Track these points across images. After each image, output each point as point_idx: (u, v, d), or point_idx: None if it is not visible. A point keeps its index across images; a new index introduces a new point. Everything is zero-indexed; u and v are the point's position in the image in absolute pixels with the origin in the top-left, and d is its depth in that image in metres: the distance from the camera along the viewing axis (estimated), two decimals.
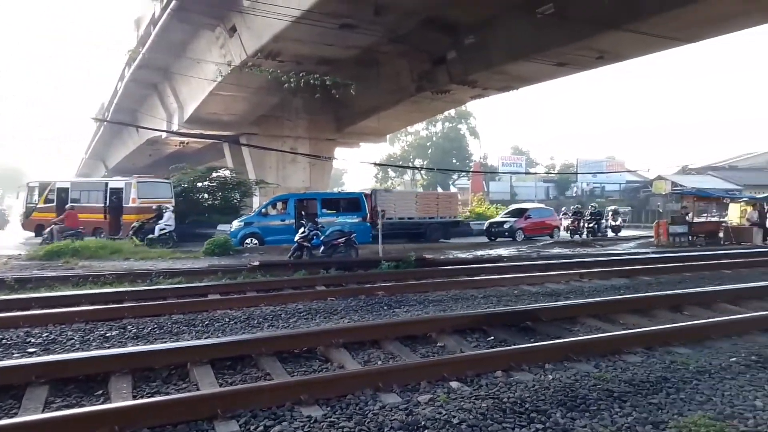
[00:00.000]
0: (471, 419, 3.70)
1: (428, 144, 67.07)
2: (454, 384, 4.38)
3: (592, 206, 27.59)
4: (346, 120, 27.22)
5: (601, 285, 9.70)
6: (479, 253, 16.26)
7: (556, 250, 17.38)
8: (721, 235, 20.83)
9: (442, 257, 14.40)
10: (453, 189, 67.61)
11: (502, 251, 16.80)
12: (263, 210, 18.04)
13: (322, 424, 3.63)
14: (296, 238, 13.96)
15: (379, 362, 5.12)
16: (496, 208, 33.46)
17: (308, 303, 7.96)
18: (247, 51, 17.88)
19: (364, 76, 21.24)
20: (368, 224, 17.92)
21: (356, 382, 4.22)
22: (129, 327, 6.45)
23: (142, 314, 6.98)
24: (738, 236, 20.45)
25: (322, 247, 13.87)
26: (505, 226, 23.45)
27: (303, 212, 16.29)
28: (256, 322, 6.88)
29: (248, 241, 17.24)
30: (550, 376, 4.59)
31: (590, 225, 25.06)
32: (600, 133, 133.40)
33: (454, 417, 3.72)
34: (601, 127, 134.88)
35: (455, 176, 65.90)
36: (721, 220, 23.12)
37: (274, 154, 25.40)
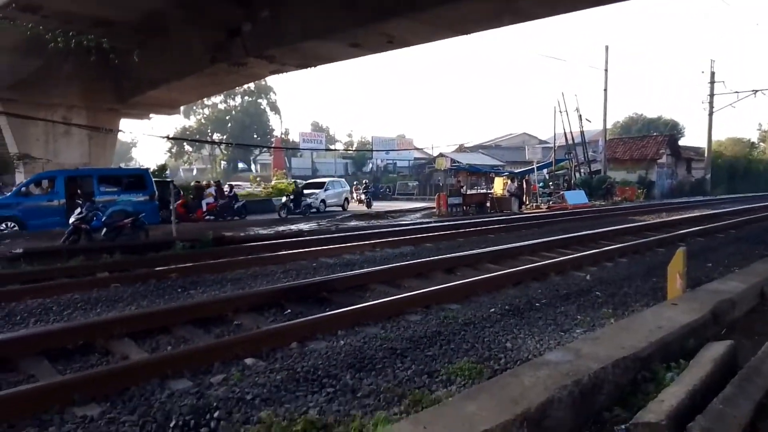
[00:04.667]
0: (265, 393, 3.77)
1: (227, 118, 64.26)
2: (249, 361, 4.39)
3: (298, 182, 26.78)
4: (131, 89, 24.39)
5: (391, 253, 10.55)
6: (280, 228, 16.28)
7: (353, 223, 18.29)
8: (488, 204, 24.10)
9: (242, 234, 14.08)
10: (254, 165, 66.31)
11: (303, 226, 17.08)
12: (23, 189, 15.32)
13: (99, 422, 3.35)
14: (71, 220, 12.30)
15: (169, 348, 4.87)
16: (289, 184, 33.56)
17: (87, 292, 7.14)
18: None
19: (151, 43, 19.21)
20: (156, 203, 16.54)
21: (140, 372, 3.96)
22: None
23: None
24: (501, 205, 23.94)
25: (104, 230, 12.47)
26: None
27: (78, 191, 14.30)
28: (18, 318, 5.94)
29: (3, 226, 14.58)
30: (342, 342, 4.88)
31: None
32: (393, 111, 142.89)
33: (247, 393, 3.74)
34: (394, 105, 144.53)
35: (257, 152, 64.49)
36: (488, 191, 26.84)
37: (42, 124, 21.65)
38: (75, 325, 5.26)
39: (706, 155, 42.78)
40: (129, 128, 50.91)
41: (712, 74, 40.80)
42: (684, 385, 3.10)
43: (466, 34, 15.25)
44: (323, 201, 24.48)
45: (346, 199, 26.90)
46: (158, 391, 3.81)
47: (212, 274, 8.36)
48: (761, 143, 65.41)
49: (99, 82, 23.85)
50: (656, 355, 3.65)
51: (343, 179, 31.28)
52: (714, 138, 43.71)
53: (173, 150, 63.27)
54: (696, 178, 43.30)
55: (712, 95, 40.86)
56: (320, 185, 26.23)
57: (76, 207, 12.79)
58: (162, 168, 27.00)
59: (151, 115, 31.50)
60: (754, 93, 38.53)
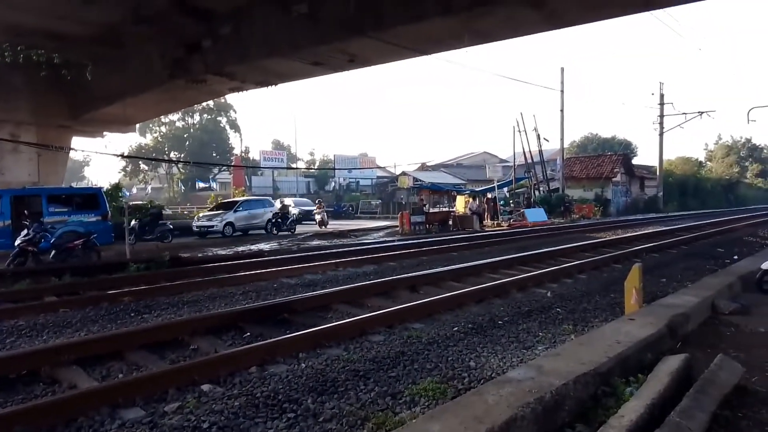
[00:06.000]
0: (222, 420, 3.62)
1: (185, 136, 63.10)
2: (205, 387, 4.24)
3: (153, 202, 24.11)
4: (84, 105, 23.66)
5: (353, 272, 10.46)
6: (240, 248, 15.98)
7: (316, 242, 18.13)
8: (450, 222, 24.33)
9: (200, 255, 13.75)
10: (213, 184, 65.19)
11: (263, 245, 16.81)
12: None
13: None
14: (17, 242, 11.75)
15: (120, 375, 4.64)
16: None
17: (33, 317, 6.82)
18: None
19: (107, 58, 18.76)
20: (109, 223, 15.95)
21: (89, 401, 3.75)
22: None
23: None
24: (463, 223, 24.18)
25: (53, 252, 11.95)
26: None
27: (25, 211, 13.69)
28: None
29: None
30: (303, 365, 4.77)
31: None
32: (355, 129, 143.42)
33: (203, 421, 3.59)
34: (357, 124, 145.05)
35: (216, 170, 63.45)
36: (450, 209, 27.12)
37: None
38: (17, 353, 4.97)
39: (658, 174, 44.49)
40: (81, 146, 49.50)
41: (662, 96, 42.72)
42: (643, 399, 3.14)
43: (426, 54, 15.52)
44: (230, 224, 21.21)
45: (270, 221, 22.96)
46: (108, 421, 3.62)
47: (168, 297, 8.10)
48: (708, 162, 68.79)
49: (50, 97, 23.07)
50: (616, 369, 3.70)
51: (270, 198, 28.23)
52: (665, 157, 45.57)
53: (128, 168, 61.59)
54: (649, 196, 44.98)
55: (662, 116, 42.71)
56: (230, 206, 22.79)
57: (23, 228, 12.23)
58: (116, 187, 26.16)
59: (104, 133, 30.63)
60: (700, 114, 40.51)
